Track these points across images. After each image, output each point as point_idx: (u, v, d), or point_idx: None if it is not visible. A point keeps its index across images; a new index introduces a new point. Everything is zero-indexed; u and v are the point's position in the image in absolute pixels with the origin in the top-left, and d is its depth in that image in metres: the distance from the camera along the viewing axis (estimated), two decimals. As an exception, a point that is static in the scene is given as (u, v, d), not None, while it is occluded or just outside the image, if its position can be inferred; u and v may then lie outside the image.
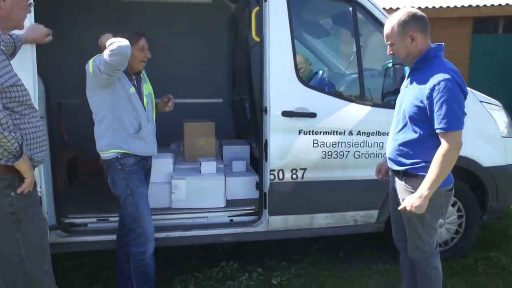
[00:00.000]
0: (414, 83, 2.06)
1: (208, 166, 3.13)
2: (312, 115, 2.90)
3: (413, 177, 2.05)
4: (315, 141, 2.94)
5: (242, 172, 3.44)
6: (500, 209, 3.52)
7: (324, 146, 2.96)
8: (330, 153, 2.97)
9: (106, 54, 2.19)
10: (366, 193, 3.08)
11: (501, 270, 3.21)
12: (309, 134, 2.93)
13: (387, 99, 3.18)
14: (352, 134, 2.99)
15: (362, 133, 3.01)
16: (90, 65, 2.32)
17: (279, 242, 3.54)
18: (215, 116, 4.10)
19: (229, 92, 4.93)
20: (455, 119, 1.89)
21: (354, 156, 3.02)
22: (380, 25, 3.01)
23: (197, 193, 3.07)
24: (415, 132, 2.03)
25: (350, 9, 3.01)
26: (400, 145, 2.10)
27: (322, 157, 2.97)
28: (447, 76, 1.90)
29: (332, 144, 2.97)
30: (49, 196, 2.69)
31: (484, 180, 3.26)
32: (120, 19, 4.24)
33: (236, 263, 3.25)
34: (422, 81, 2.00)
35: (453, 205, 3.27)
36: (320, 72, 3.31)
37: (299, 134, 2.91)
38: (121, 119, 2.38)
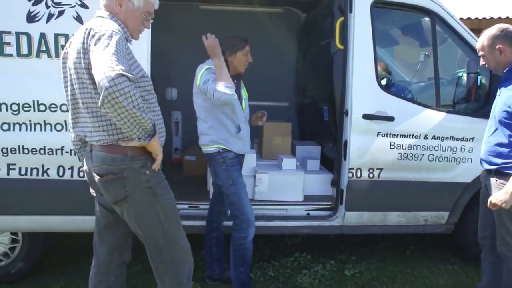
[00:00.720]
0: (504, 90, 2.25)
1: (289, 163, 3.40)
2: (391, 118, 3.09)
3: (504, 175, 2.22)
4: (392, 143, 3.13)
5: (316, 170, 3.68)
6: None
7: (400, 148, 3.14)
8: (405, 155, 3.15)
9: (214, 90, 2.49)
10: (438, 195, 3.24)
11: None
12: (387, 136, 3.13)
13: (460, 106, 3.34)
14: (427, 138, 3.15)
15: (437, 137, 3.17)
16: (198, 78, 2.65)
17: (347, 239, 3.76)
18: (281, 118, 4.37)
19: (296, 96, 5.18)
20: None
21: (428, 159, 3.18)
22: (457, 35, 3.19)
23: (278, 187, 3.33)
24: (505, 135, 2.21)
25: (428, 20, 3.20)
26: (492, 146, 2.29)
27: (398, 158, 3.15)
28: None
29: (408, 147, 3.15)
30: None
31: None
32: (196, 25, 4.61)
33: (309, 255, 3.48)
34: (511, 88, 2.20)
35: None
36: (398, 78, 3.51)
37: (377, 136, 3.11)
38: (223, 121, 2.69)
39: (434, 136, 3.17)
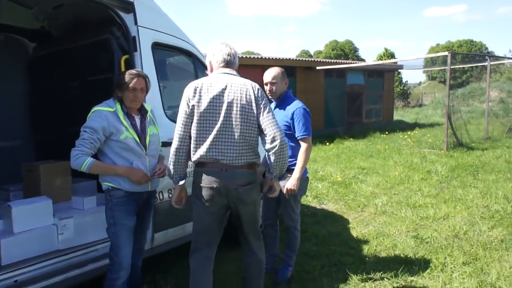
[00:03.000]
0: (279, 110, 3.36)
1: (90, 202, 3.25)
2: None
3: (289, 170, 3.26)
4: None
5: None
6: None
7: (190, 167, 3.69)
8: (193, 172, 3.74)
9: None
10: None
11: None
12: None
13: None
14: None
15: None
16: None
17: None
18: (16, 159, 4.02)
19: (33, 134, 4.65)
20: (307, 129, 3.35)
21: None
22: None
23: (85, 229, 3.14)
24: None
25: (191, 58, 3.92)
26: None
27: (188, 176, 3.69)
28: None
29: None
30: None
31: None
32: None
33: None
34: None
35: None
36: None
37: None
38: (112, 158, 2.70)
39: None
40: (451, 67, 10.63)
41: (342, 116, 16.28)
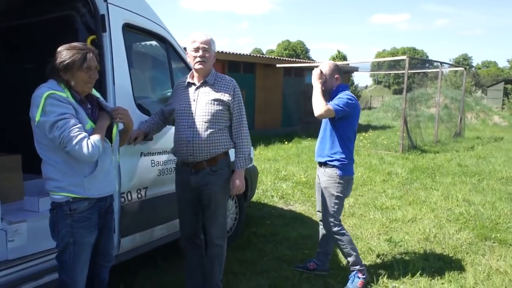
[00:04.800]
0: None
1: (46, 202, 2.79)
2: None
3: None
4: (153, 161, 3.29)
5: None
6: (251, 198, 4.93)
7: (159, 165, 3.34)
8: (163, 170, 3.38)
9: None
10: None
11: (264, 238, 4.58)
12: (149, 155, 3.25)
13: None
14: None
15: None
16: (38, 112, 2.04)
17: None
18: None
19: None
20: (338, 105, 3.35)
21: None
22: (182, 59, 3.69)
23: (40, 235, 2.70)
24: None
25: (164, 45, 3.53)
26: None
27: (158, 175, 3.33)
28: None
29: (164, 162, 3.39)
30: None
31: (246, 177, 4.52)
32: None
33: None
34: None
35: (232, 199, 4.35)
36: (147, 97, 3.61)
37: (141, 156, 3.18)
38: (72, 160, 2.14)
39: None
40: (409, 71, 10.89)
41: (299, 115, 16.30)
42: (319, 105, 3.24)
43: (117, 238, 3.02)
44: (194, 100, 2.87)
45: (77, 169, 2.16)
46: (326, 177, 3.42)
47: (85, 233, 2.21)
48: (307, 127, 15.79)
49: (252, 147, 4.56)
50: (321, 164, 3.48)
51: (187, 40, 2.91)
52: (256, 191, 6.17)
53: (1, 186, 2.90)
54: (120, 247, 3.05)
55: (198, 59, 2.81)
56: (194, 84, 2.91)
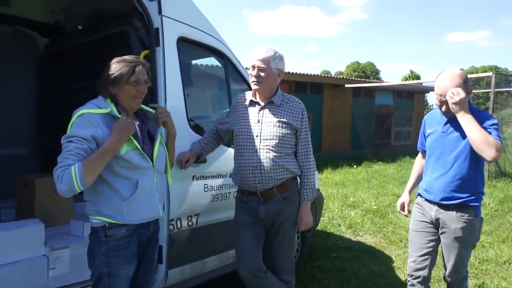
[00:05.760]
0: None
1: (91, 227, 2.62)
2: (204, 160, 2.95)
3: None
4: (206, 186, 3.02)
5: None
6: (316, 226, 4.48)
7: (212, 190, 3.06)
8: (217, 196, 3.09)
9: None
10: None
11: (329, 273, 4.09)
12: (201, 179, 2.98)
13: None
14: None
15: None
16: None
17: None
18: (19, 170, 3.40)
19: (38, 141, 4.11)
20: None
21: (234, 196, 3.23)
22: (242, 77, 3.43)
23: (84, 263, 2.50)
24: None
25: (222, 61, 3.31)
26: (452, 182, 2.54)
27: (211, 201, 3.05)
28: None
29: (218, 187, 3.10)
30: None
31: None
32: None
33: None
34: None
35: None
36: (202, 116, 3.40)
37: (193, 180, 2.92)
38: (110, 181, 1.97)
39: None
40: (495, 89, 9.80)
41: (370, 138, 15.47)
42: (489, 142, 2.29)
43: (164, 270, 2.76)
44: (258, 121, 2.58)
45: (114, 192, 1.96)
46: (462, 223, 2.51)
47: (120, 264, 1.99)
48: (378, 150, 14.91)
49: (317, 172, 4.15)
50: (454, 206, 2.54)
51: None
52: (322, 219, 5.70)
53: (51, 207, 2.79)
54: (167, 279, 2.78)
55: (253, 78, 2.55)
56: (258, 103, 2.63)
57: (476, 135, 2.30)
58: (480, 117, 2.42)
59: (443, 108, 2.49)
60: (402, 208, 2.93)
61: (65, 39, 3.86)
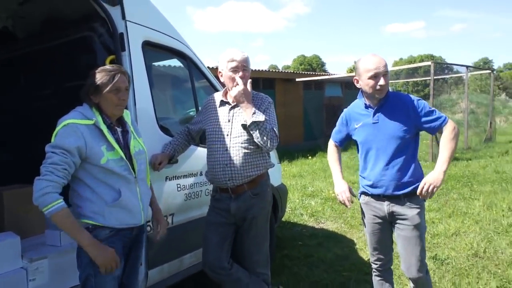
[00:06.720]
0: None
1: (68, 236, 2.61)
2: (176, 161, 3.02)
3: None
4: (178, 185, 3.08)
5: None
6: (281, 218, 4.65)
7: (185, 189, 3.13)
8: (190, 195, 3.17)
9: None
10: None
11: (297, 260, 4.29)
12: (174, 179, 3.05)
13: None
14: (202, 175, 3.25)
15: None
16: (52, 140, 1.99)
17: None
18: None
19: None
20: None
21: (205, 193, 3.32)
22: (205, 76, 3.51)
23: (62, 272, 2.50)
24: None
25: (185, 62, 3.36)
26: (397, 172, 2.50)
27: (184, 200, 3.12)
28: None
29: (190, 186, 3.18)
30: None
31: (276, 197, 4.26)
32: None
33: None
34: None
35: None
36: (169, 117, 3.44)
37: (166, 180, 2.98)
38: (94, 187, 2.03)
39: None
40: (435, 77, 10.53)
41: (322, 129, 15.99)
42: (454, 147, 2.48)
43: (144, 271, 2.80)
44: (229, 121, 2.68)
45: (97, 195, 2.02)
46: (416, 209, 2.50)
47: None
48: (330, 140, 15.45)
49: (279, 165, 4.31)
50: (404, 195, 2.49)
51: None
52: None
53: (22, 219, 2.74)
54: (147, 279, 2.83)
55: (242, 80, 2.57)
56: (228, 103, 2.72)
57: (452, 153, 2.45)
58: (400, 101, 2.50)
59: (382, 81, 2.39)
60: (348, 198, 2.60)
61: (17, 45, 3.73)
